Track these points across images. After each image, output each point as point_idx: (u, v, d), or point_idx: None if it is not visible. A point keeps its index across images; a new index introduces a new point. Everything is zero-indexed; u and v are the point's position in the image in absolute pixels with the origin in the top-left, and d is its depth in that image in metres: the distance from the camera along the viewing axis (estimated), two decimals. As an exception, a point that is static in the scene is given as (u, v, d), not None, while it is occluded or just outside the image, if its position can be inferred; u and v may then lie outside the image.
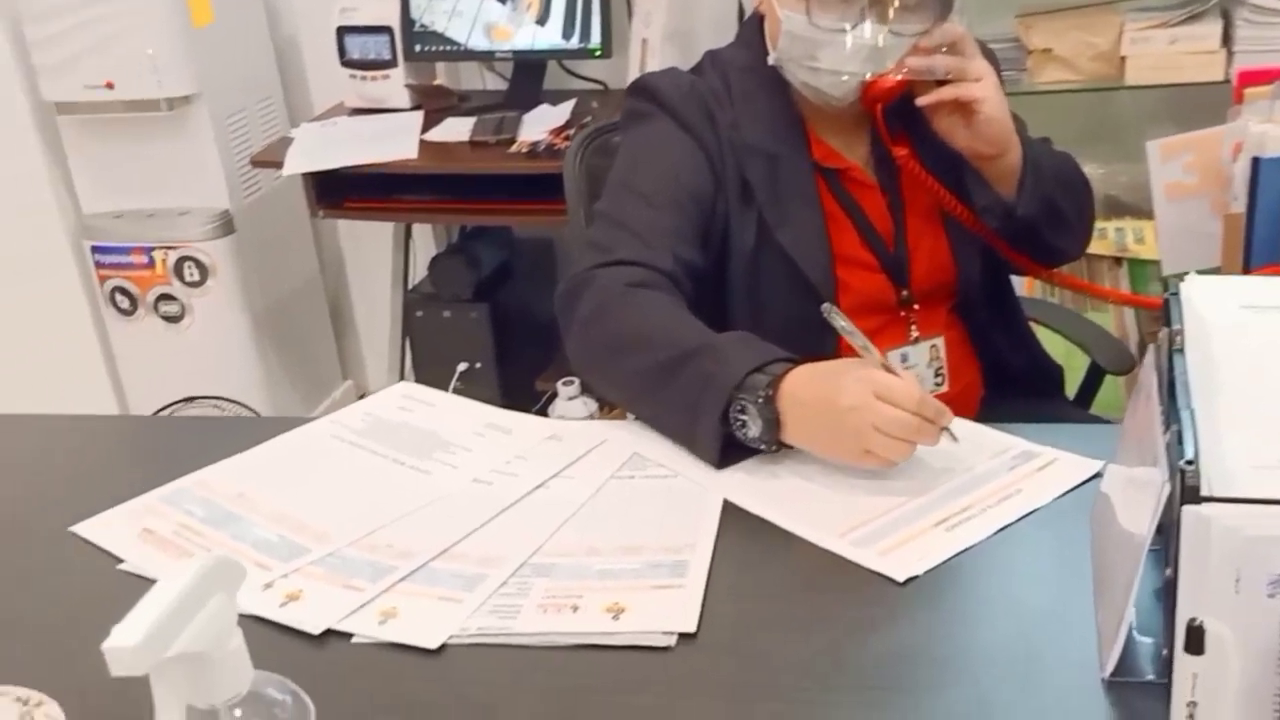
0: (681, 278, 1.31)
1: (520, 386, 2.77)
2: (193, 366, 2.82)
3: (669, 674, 0.90)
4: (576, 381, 2.77)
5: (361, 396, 3.28)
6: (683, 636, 0.92)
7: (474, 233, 2.88)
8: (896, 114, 1.38)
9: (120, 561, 1.09)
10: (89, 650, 0.97)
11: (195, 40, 2.58)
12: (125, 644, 0.56)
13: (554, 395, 2.66)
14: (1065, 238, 1.44)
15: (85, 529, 1.14)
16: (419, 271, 2.92)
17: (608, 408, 2.48)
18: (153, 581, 1.03)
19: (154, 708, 0.60)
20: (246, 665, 0.64)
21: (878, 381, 1.07)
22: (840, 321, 1.13)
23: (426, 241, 3.02)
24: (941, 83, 1.33)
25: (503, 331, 2.79)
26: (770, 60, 1.38)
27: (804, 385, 1.11)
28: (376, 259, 3.03)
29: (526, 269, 2.94)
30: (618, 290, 1.26)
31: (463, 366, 2.79)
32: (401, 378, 2.92)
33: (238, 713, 0.64)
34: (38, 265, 2.90)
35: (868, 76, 1.33)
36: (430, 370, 2.83)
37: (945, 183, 1.40)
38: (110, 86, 2.56)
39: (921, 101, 1.33)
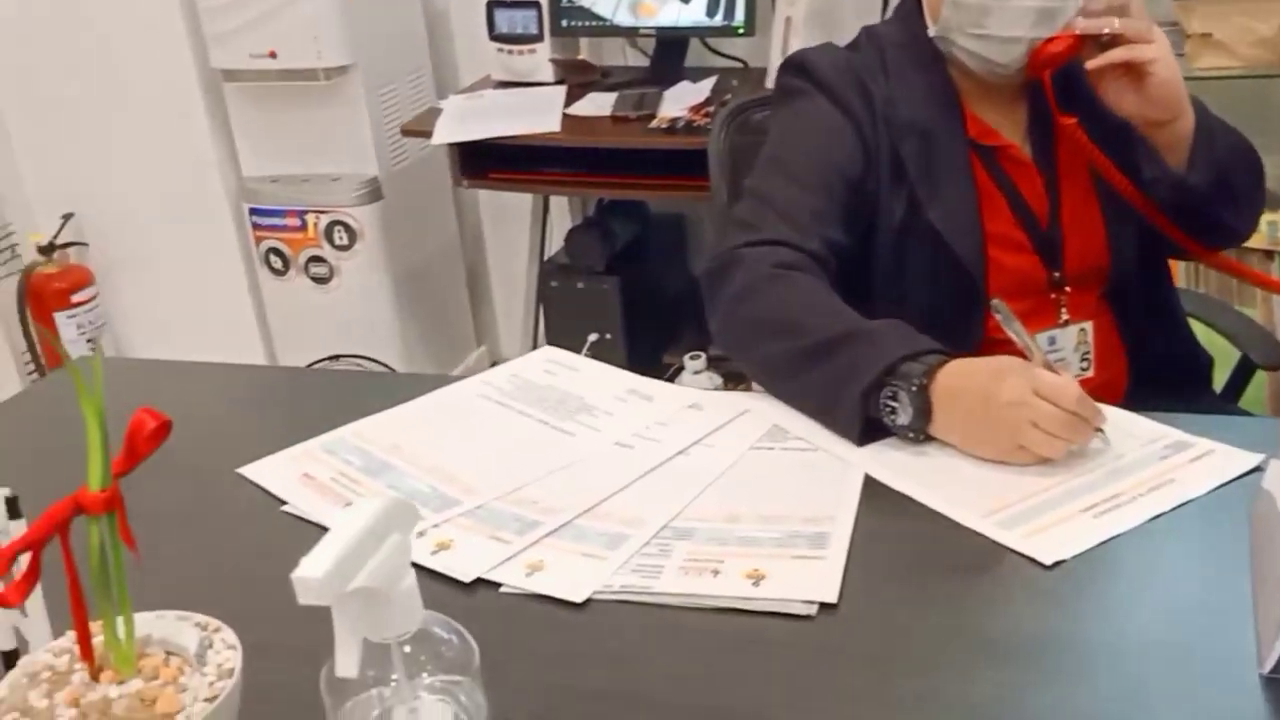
0: (828, 259, 1.32)
1: (648, 359, 2.81)
2: (337, 326, 2.92)
3: (809, 643, 0.91)
4: (703, 356, 2.79)
5: (494, 363, 3.36)
6: (823, 606, 0.94)
7: (609, 207, 2.91)
8: (1058, 88, 1.36)
9: (283, 504, 1.14)
10: (257, 583, 1.03)
11: (353, 13, 2.67)
12: (313, 574, 0.60)
13: (680, 368, 2.68)
14: (1235, 213, 1.39)
15: (251, 471, 1.20)
16: (554, 243, 2.97)
17: (733, 382, 2.49)
18: (313, 524, 1.10)
19: (334, 639, 0.63)
20: (418, 604, 0.67)
21: (1039, 379, 1.07)
22: (1009, 320, 1.14)
23: (563, 213, 3.06)
24: (1107, 47, 1.30)
25: (632, 304, 2.83)
26: (931, 33, 1.37)
27: (961, 378, 1.11)
28: (514, 229, 3.10)
29: (659, 244, 2.97)
30: (766, 271, 1.27)
31: (593, 337, 2.83)
32: (534, 346, 2.97)
33: (407, 649, 0.67)
34: (201, 224, 3.05)
35: (1039, 38, 1.30)
36: (561, 339, 2.88)
37: (1109, 157, 1.37)
38: (273, 56, 2.66)
39: (1092, 64, 1.30)
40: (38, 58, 3.02)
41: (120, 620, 0.76)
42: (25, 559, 0.74)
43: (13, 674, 0.77)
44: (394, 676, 0.67)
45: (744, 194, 1.41)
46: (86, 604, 0.76)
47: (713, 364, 2.63)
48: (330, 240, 2.84)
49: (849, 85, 1.40)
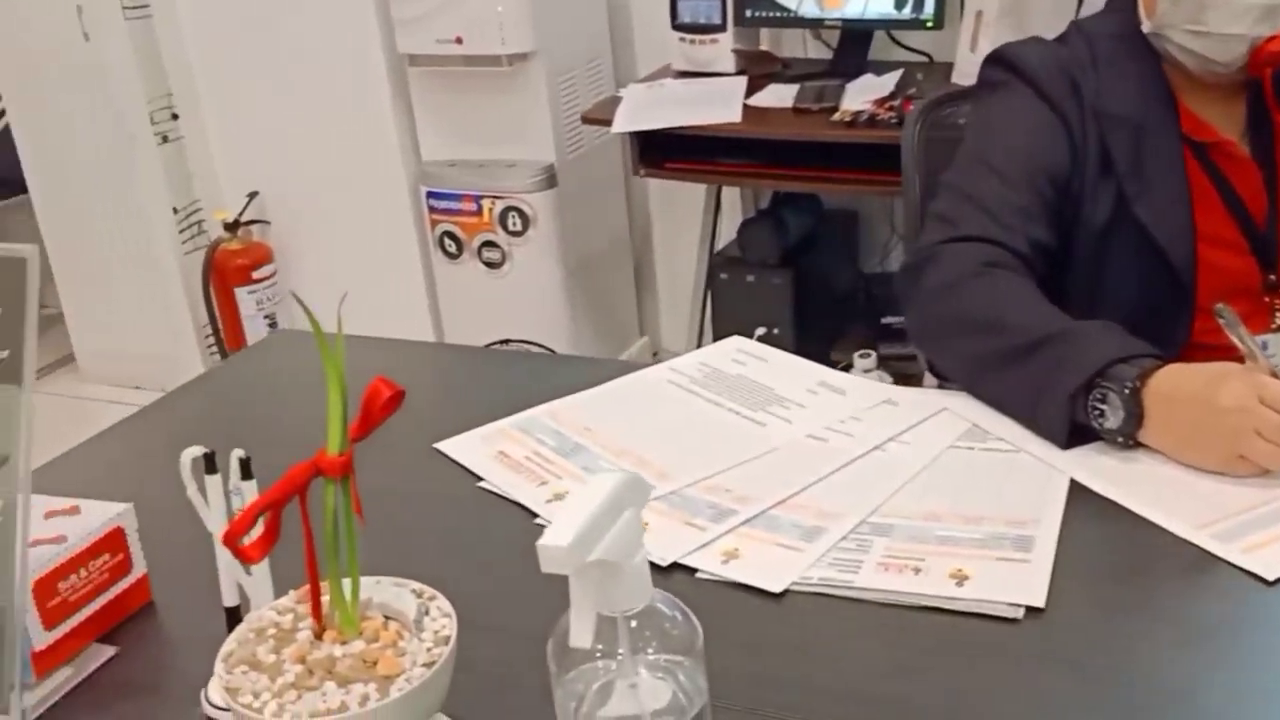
0: (1033, 259, 1.29)
1: (815, 356, 2.76)
2: (506, 311, 2.97)
3: (1015, 646, 0.89)
4: (873, 354, 2.75)
5: (655, 354, 3.37)
6: (1029, 610, 0.92)
7: (783, 199, 2.89)
8: (1276, 85, 1.31)
9: (479, 480, 1.16)
10: (458, 557, 1.06)
11: (539, 1, 2.70)
12: (558, 544, 0.61)
13: (849, 366, 2.65)
14: None
15: (447, 447, 1.22)
16: (723, 235, 2.97)
17: (904, 382, 2.45)
18: (510, 501, 1.12)
19: (571, 608, 0.64)
20: (648, 580, 0.68)
21: (1264, 385, 1.03)
22: (1233, 325, 1.09)
23: (733, 205, 3.06)
24: None
25: (802, 299, 2.80)
26: (1145, 28, 1.33)
27: (1178, 383, 1.07)
28: (681, 220, 3.10)
29: (831, 239, 2.94)
30: (970, 267, 1.25)
31: (760, 331, 2.81)
32: (699, 337, 2.97)
33: (633, 624, 0.68)
34: (379, 206, 3.13)
35: (1261, 36, 1.25)
36: (727, 332, 2.85)
37: None
38: (459, 42, 2.71)
39: None
40: (231, 39, 3.15)
41: (347, 582, 0.79)
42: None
43: (240, 629, 0.80)
44: (620, 651, 0.68)
45: (942, 189, 1.38)
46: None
47: (883, 363, 2.59)
48: (504, 225, 2.89)
49: (1057, 80, 1.36)
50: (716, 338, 2.89)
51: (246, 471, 0.87)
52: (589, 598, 0.64)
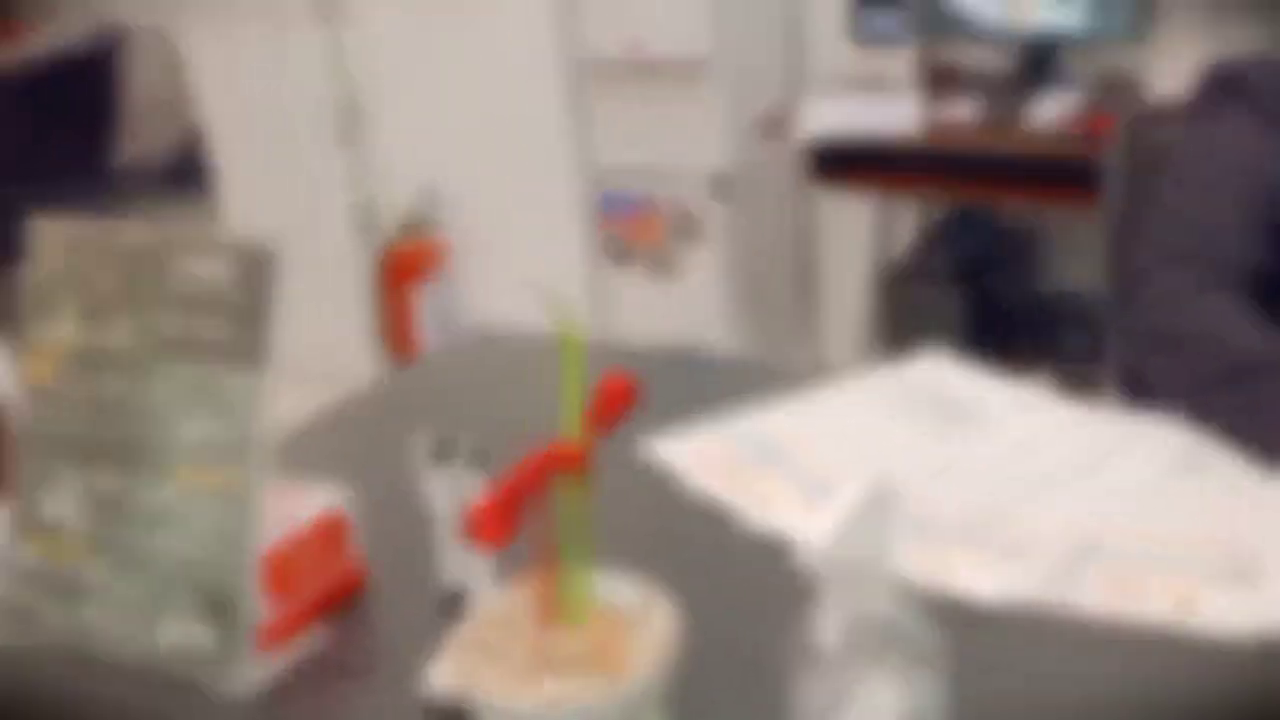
0: (1251, 282, 1.25)
1: (987, 374, 2.73)
2: (671, 317, 2.98)
3: (1247, 676, 0.86)
4: (1050, 375, 2.68)
5: (818, 366, 3.34)
6: (1264, 642, 0.88)
7: (958, 214, 2.85)
8: None
9: (686, 482, 1.17)
10: (670, 554, 1.06)
11: (719, 7, 2.72)
12: (817, 542, 0.61)
13: (1022, 387, 2.59)
14: None
15: (651, 449, 1.23)
16: (894, 248, 2.93)
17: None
18: (718, 504, 1.12)
19: (820, 608, 0.64)
20: (895, 587, 0.67)
21: None
22: None
23: (905, 219, 3.02)
24: None
25: (975, 317, 2.75)
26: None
27: None
28: (851, 232, 3.07)
29: (1007, 255, 2.88)
30: (1185, 288, 1.21)
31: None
32: (867, 351, 2.94)
33: (878, 630, 0.67)
34: (550, 209, 3.17)
35: None
36: (895, 348, 2.83)
37: None
38: (639, 46, 2.74)
39: None
40: (413, 43, 3.23)
41: (579, 574, 0.80)
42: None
43: (469, 615, 0.82)
44: (861, 656, 0.67)
45: (1155, 208, 1.35)
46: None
47: (1060, 384, 2.52)
48: (674, 232, 2.90)
49: (1282, 98, 1.31)
50: (884, 352, 2.88)
51: (476, 460, 0.89)
52: (839, 602, 0.63)
